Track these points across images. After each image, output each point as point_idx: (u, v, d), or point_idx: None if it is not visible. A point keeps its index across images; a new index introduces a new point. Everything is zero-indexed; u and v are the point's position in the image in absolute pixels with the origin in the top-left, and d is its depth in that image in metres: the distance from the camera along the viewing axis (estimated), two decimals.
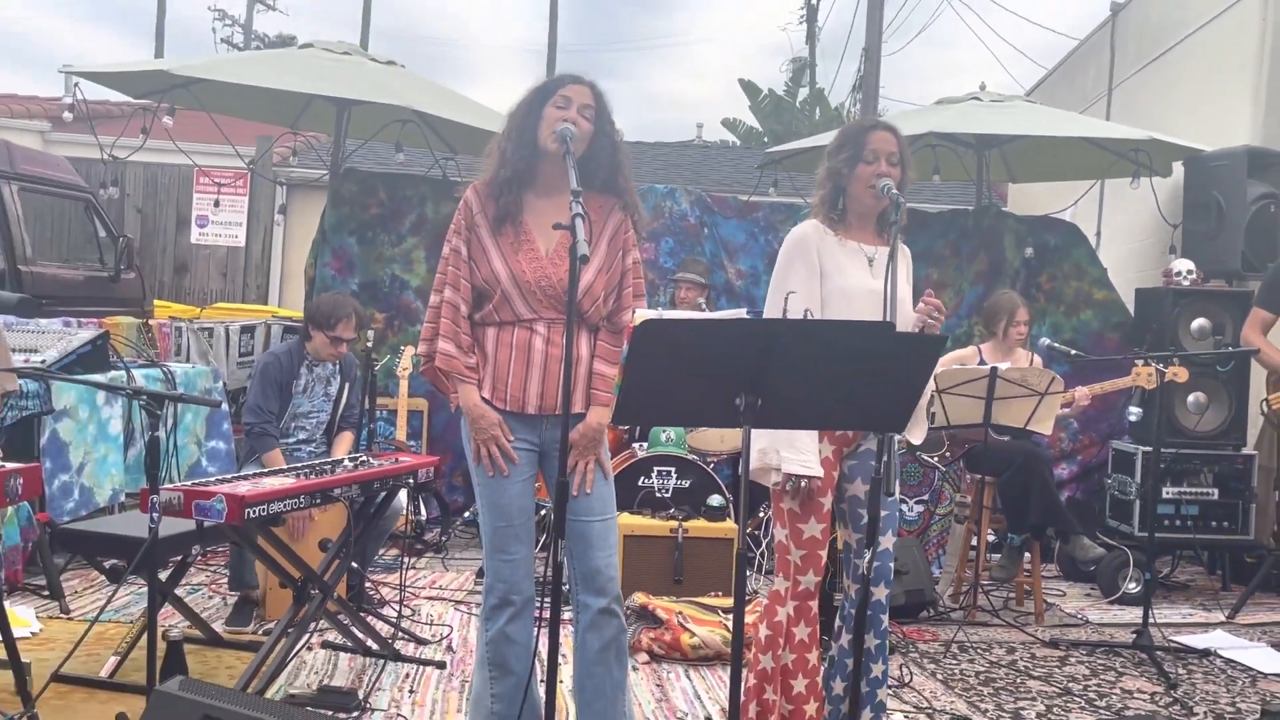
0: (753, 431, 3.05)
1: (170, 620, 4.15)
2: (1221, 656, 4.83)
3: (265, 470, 4.03)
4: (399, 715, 3.64)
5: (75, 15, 50.04)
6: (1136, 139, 6.61)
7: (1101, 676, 4.49)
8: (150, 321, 6.67)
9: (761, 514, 5.61)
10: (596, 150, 3.04)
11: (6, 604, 3.35)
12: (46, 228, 7.77)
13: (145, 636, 3.30)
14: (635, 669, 4.17)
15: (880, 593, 3.29)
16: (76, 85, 6.62)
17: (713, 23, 55.87)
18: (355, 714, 3.60)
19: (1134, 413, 5.61)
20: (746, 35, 56.16)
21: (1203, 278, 6.36)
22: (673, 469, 5.50)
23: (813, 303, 3.09)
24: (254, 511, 3.29)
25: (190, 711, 2.52)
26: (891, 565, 3.35)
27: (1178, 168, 6.98)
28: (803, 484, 3.08)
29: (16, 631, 3.52)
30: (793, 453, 3.02)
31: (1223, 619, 5.52)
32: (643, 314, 2.84)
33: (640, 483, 5.44)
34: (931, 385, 5.07)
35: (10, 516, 3.37)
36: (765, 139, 22.12)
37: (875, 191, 3.15)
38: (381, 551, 5.31)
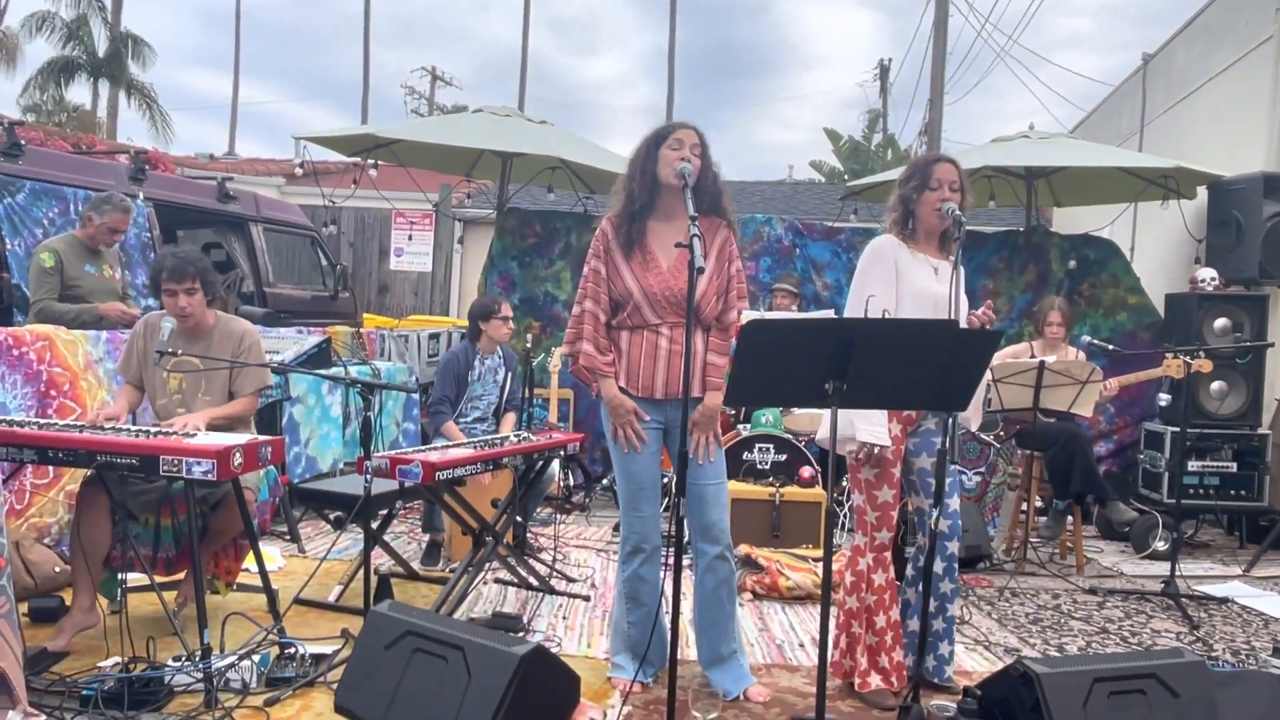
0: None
1: (380, 560, 4.31)
2: (1238, 603, 4.59)
3: (450, 444, 4.15)
4: (554, 636, 3.69)
5: (300, 96, 52.16)
6: (1166, 167, 6.32)
7: (1134, 619, 4.31)
8: (361, 330, 6.91)
9: (845, 483, 5.53)
10: (704, 181, 3.06)
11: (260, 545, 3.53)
12: (283, 259, 8.09)
13: (361, 571, 3.45)
14: (741, 605, 4.16)
15: (954, 546, 3.24)
16: (305, 148, 6.92)
17: (802, 82, 55.16)
18: (521, 634, 3.64)
19: (1164, 399, 5.38)
20: (830, 92, 55.22)
21: (1224, 284, 6.05)
22: (771, 445, 5.46)
23: (889, 302, 3.04)
24: (442, 474, 3.40)
25: (397, 627, 2.64)
26: (960, 523, 3.29)
27: (1201, 191, 6.64)
28: (875, 450, 3.05)
29: (266, 565, 3.70)
30: (867, 424, 2.99)
31: (1239, 573, 5.24)
32: (749, 314, 2.85)
33: (744, 457, 5.41)
34: (988, 375, 4.96)
35: (261, 478, 3.54)
36: (845, 177, 21.77)
37: (940, 213, 3.10)
38: (539, 510, 5.40)
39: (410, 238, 10.64)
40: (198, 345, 3.53)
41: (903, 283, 3.09)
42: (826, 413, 2.95)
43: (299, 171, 6.77)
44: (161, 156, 10.24)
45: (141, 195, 6.11)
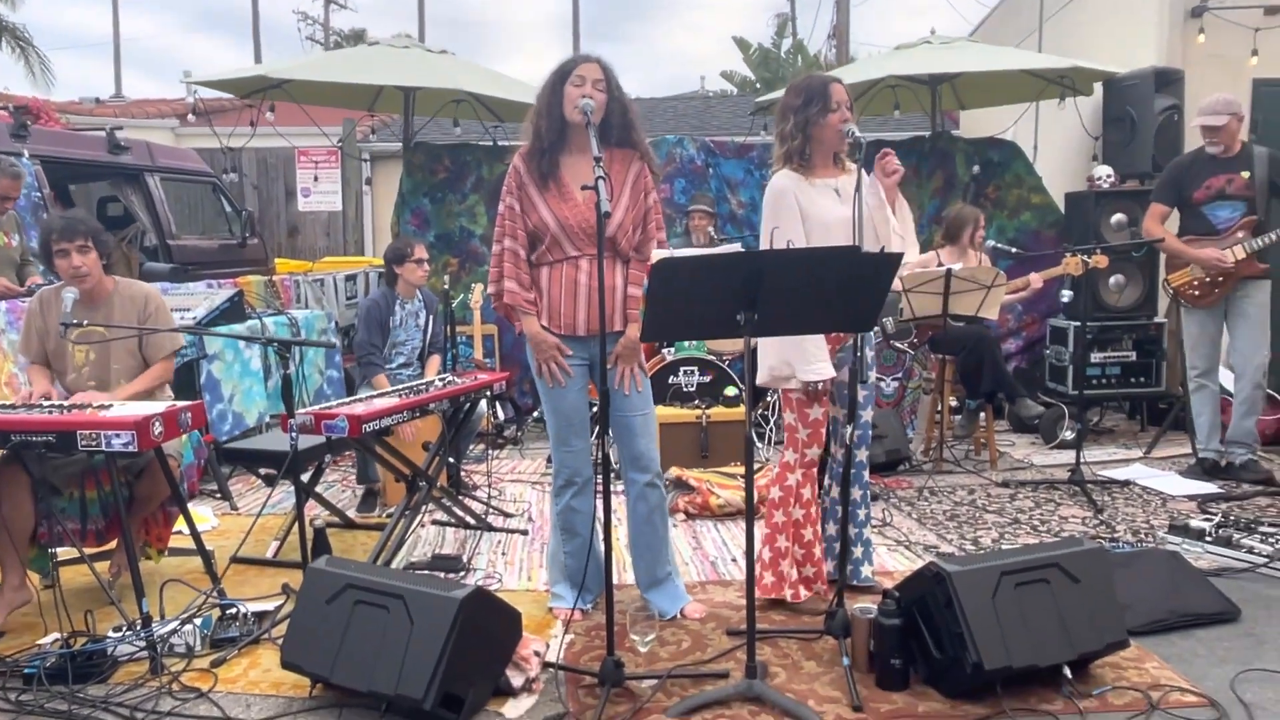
0: (763, 347, 3.13)
1: (314, 511, 4.33)
2: (1139, 485, 4.91)
3: (375, 393, 4.15)
4: (495, 573, 3.76)
5: (187, 27, 49.49)
6: (1062, 67, 6.47)
7: (1043, 508, 4.57)
8: (274, 279, 6.76)
9: (769, 398, 5.69)
10: (611, 114, 3.06)
11: (190, 506, 3.52)
12: (185, 208, 7.85)
13: (296, 526, 3.47)
14: (675, 525, 4.30)
15: (862, 454, 3.38)
16: (195, 91, 6.64)
17: None
18: (461, 574, 3.73)
19: (1066, 295, 5.60)
20: None
21: (1120, 180, 6.28)
22: (695, 368, 5.57)
23: (798, 240, 3.09)
24: (369, 426, 3.41)
25: (337, 581, 2.69)
26: (870, 433, 3.44)
27: (1098, 88, 6.82)
28: (820, 386, 3.15)
29: (199, 526, 3.69)
30: (806, 363, 3.05)
31: (1141, 455, 5.58)
32: (658, 253, 2.89)
33: (669, 380, 5.51)
34: (899, 285, 5.12)
35: (184, 442, 3.51)
36: (757, 85, 21.66)
37: (843, 134, 3.14)
38: (471, 447, 5.45)
39: (316, 178, 10.34)
40: (99, 313, 3.44)
41: (808, 219, 3.12)
42: (762, 351, 3.06)
43: (192, 118, 6.52)
44: (44, 106, 9.70)
45: (26, 153, 5.83)
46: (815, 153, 3.20)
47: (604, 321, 2.72)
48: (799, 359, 3.05)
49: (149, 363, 3.52)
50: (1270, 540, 3.76)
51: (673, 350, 5.76)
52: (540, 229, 3.11)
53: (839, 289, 2.54)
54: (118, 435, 2.82)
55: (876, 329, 5.64)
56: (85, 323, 3.32)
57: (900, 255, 2.54)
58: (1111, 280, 6.10)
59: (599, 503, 2.97)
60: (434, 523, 4.41)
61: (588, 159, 2.98)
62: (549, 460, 5.44)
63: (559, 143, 3.11)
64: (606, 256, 2.85)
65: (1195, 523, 3.98)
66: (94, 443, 2.82)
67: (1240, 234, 4.76)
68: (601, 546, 3.06)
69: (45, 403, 3.19)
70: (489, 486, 4.92)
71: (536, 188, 3.11)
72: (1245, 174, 4.76)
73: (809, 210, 3.12)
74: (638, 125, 3.17)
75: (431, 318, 5.08)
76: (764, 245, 3.12)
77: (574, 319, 3.14)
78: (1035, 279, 5.45)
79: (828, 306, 2.59)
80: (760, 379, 3.13)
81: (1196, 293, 4.89)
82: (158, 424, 2.90)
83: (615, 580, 2.88)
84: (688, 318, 2.57)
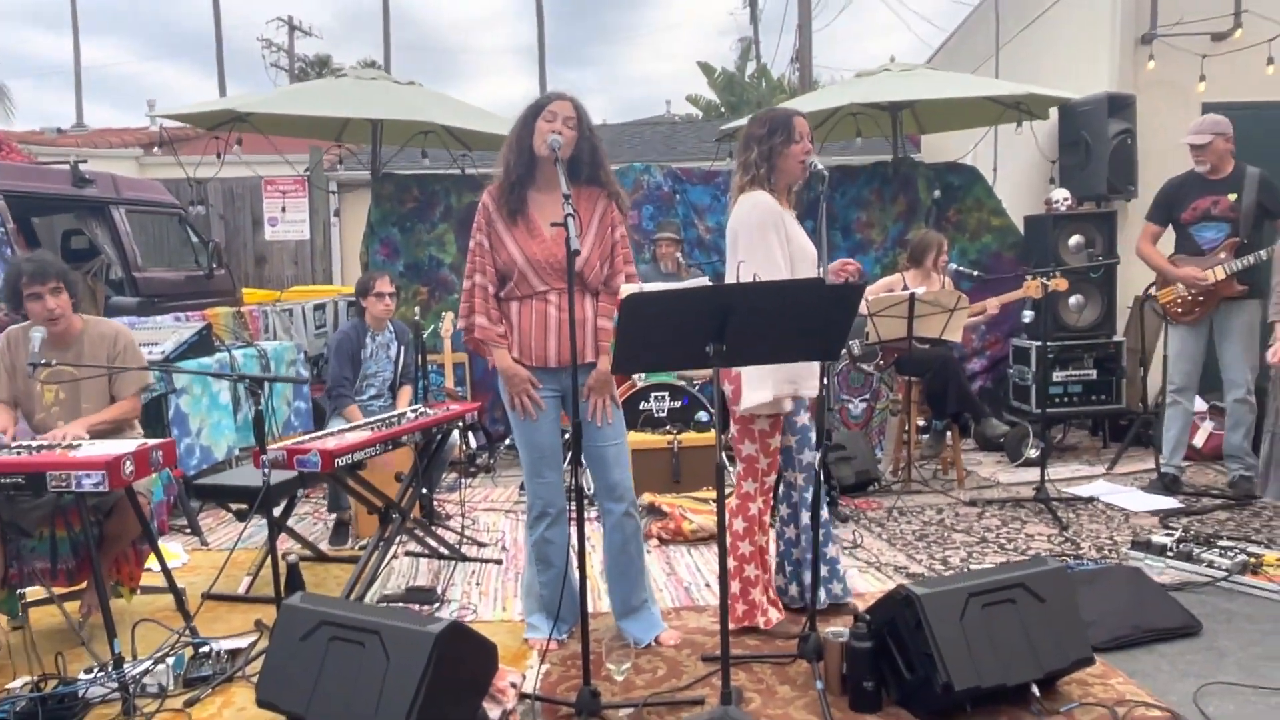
0: (757, 370, 3.16)
1: (286, 545, 4.30)
2: (1102, 501, 5.00)
3: (347, 426, 4.15)
4: (470, 604, 3.76)
5: (149, 54, 49.22)
6: (1018, 94, 6.63)
7: (1010, 525, 4.65)
8: (242, 310, 6.73)
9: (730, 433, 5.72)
10: (580, 152, 3.10)
11: (160, 542, 3.50)
12: (150, 240, 7.78)
13: (269, 561, 3.45)
14: (649, 551, 4.32)
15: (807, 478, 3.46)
16: (160, 121, 6.61)
17: (674, 12, 54.89)
18: (436, 605, 3.73)
19: (1027, 315, 5.70)
20: (702, 20, 55.14)
21: (1077, 202, 6.43)
22: (666, 394, 5.62)
23: (781, 261, 3.13)
24: (342, 460, 3.41)
25: (311, 618, 2.68)
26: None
27: (1054, 113, 6.99)
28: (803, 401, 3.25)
29: (170, 563, 3.66)
30: (812, 378, 3.16)
31: (1103, 471, 5.68)
32: (627, 288, 2.93)
33: (641, 406, 5.55)
34: (865, 309, 5.20)
35: (154, 480, 3.50)
36: (722, 110, 21.87)
37: (805, 165, 3.21)
38: (443, 476, 5.44)
39: (284, 208, 10.31)
40: (69, 353, 3.43)
41: (791, 242, 3.18)
42: (757, 378, 3.10)
43: (157, 150, 6.49)
44: (4, 138, 9.61)
45: None
46: (778, 182, 3.26)
47: (575, 355, 2.75)
48: (804, 374, 3.11)
49: (117, 399, 3.51)
50: (1229, 554, 3.85)
51: (644, 377, 5.80)
52: (508, 265, 3.15)
53: (805, 320, 2.59)
54: (88, 475, 2.80)
55: (843, 351, 5.74)
56: (55, 362, 3.31)
57: (862, 287, 2.59)
58: (1071, 300, 6.23)
59: (574, 531, 2.99)
60: (408, 554, 4.40)
61: (556, 196, 3.02)
62: (522, 487, 5.47)
63: (527, 178, 3.15)
64: (575, 290, 2.89)
65: (1157, 538, 4.07)
66: (64, 483, 2.81)
67: (1223, 255, 4.86)
68: (576, 576, 3.07)
69: (13, 444, 3.17)
70: (462, 516, 4.92)
71: (505, 225, 3.15)
72: (1232, 196, 4.86)
73: (792, 234, 3.18)
74: (606, 163, 3.22)
75: (403, 349, 5.08)
76: (730, 276, 3.16)
77: (545, 351, 3.17)
78: (992, 304, 5.56)
79: (795, 337, 2.64)
80: (761, 399, 3.11)
81: (1180, 310, 5.00)
82: (129, 463, 2.89)
83: (590, 609, 2.90)
84: (657, 350, 2.61)
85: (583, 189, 3.15)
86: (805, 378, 3.14)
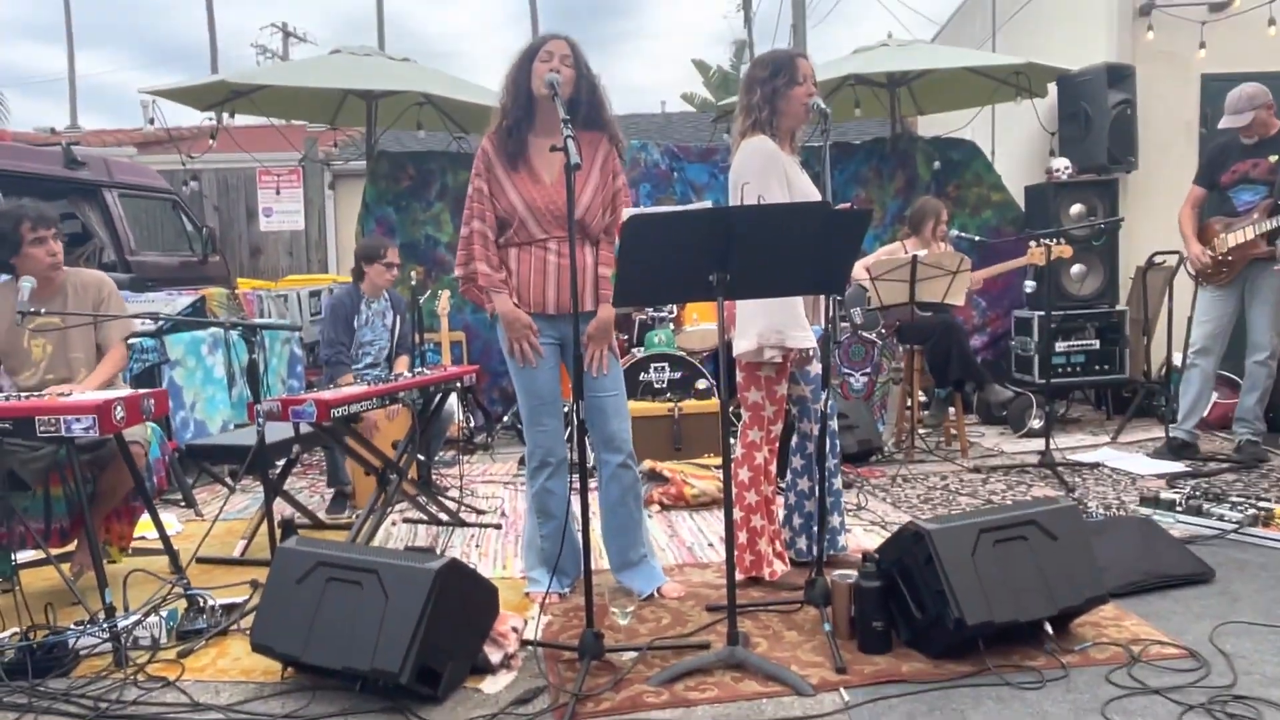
0: (748, 317, 3.10)
1: (283, 513, 4.23)
2: (1108, 466, 4.94)
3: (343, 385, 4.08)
4: (469, 563, 3.66)
5: (144, 64, 49.24)
6: (1017, 64, 6.58)
7: (1015, 489, 4.59)
8: (237, 292, 6.67)
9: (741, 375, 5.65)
10: (579, 91, 3.03)
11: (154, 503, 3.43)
12: (144, 226, 7.67)
13: (264, 524, 3.39)
14: (650, 516, 4.26)
15: (834, 423, 3.39)
16: (155, 104, 6.57)
17: (668, 18, 55.00)
18: None
19: (1029, 285, 5.66)
20: (697, 25, 55.20)
21: (1077, 171, 6.38)
22: (665, 364, 5.56)
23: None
24: (338, 411, 3.35)
25: (307, 560, 2.62)
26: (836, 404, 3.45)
27: (1051, 88, 6.95)
28: (806, 352, 3.18)
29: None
30: (797, 328, 3.07)
31: (1108, 441, 5.63)
32: (627, 211, 2.87)
33: (640, 377, 5.49)
34: (867, 276, 5.15)
35: (150, 434, 3.43)
36: (717, 107, 21.83)
37: (808, 107, 3.16)
38: (443, 452, 5.38)
39: (278, 192, 10.24)
40: (54, 302, 3.38)
41: (793, 187, 3.11)
42: (748, 320, 3.04)
43: (149, 126, 6.41)
44: None
45: None
46: (781, 125, 3.19)
47: (575, 292, 2.68)
48: (790, 323, 3.04)
49: (104, 349, 3.44)
50: (1240, 509, 3.79)
51: (642, 349, 5.74)
52: (509, 212, 3.08)
53: (809, 247, 2.53)
54: (78, 420, 2.74)
55: (845, 322, 5.68)
56: (44, 311, 3.24)
57: (869, 212, 2.53)
58: (1074, 270, 6.19)
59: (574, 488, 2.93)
60: (406, 520, 4.33)
61: (554, 139, 2.95)
62: (521, 461, 5.41)
63: (526, 120, 3.09)
64: (576, 239, 2.82)
65: (1166, 495, 4.01)
66: (54, 427, 2.74)
67: (1256, 215, 4.77)
68: (578, 529, 3.01)
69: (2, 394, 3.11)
70: (460, 488, 4.85)
71: (505, 170, 3.09)
72: (1273, 158, 4.77)
73: (793, 179, 3.12)
74: (606, 105, 3.13)
75: (399, 318, 5.02)
76: (734, 201, 3.10)
77: (544, 297, 3.11)
78: (975, 277, 5.48)
79: (799, 266, 2.59)
80: (747, 346, 3.08)
81: (1209, 270, 4.94)
82: (119, 408, 2.82)
83: (592, 565, 2.83)
84: (660, 279, 2.56)
85: (583, 133, 3.07)
86: (791, 328, 3.06)
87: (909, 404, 5.52)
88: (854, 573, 2.77)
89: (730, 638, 2.61)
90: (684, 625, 2.94)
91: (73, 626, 2.83)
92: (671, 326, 5.93)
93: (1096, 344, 6.16)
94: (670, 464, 4.68)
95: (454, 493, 4.79)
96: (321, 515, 4.44)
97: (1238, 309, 4.93)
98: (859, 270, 5.28)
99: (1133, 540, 3.32)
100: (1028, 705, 2.35)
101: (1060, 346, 6.11)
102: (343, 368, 4.69)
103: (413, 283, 5.42)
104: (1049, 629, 2.67)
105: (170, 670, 2.72)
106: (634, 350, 5.72)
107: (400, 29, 52.37)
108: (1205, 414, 5.39)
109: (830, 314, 2.89)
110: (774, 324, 3.06)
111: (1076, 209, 6.21)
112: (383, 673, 2.37)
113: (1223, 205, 5.00)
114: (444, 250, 6.82)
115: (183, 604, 3.06)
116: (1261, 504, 3.85)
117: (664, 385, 5.49)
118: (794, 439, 3.42)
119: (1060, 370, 6.09)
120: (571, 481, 3.13)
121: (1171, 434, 5.11)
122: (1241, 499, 3.99)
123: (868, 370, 6.19)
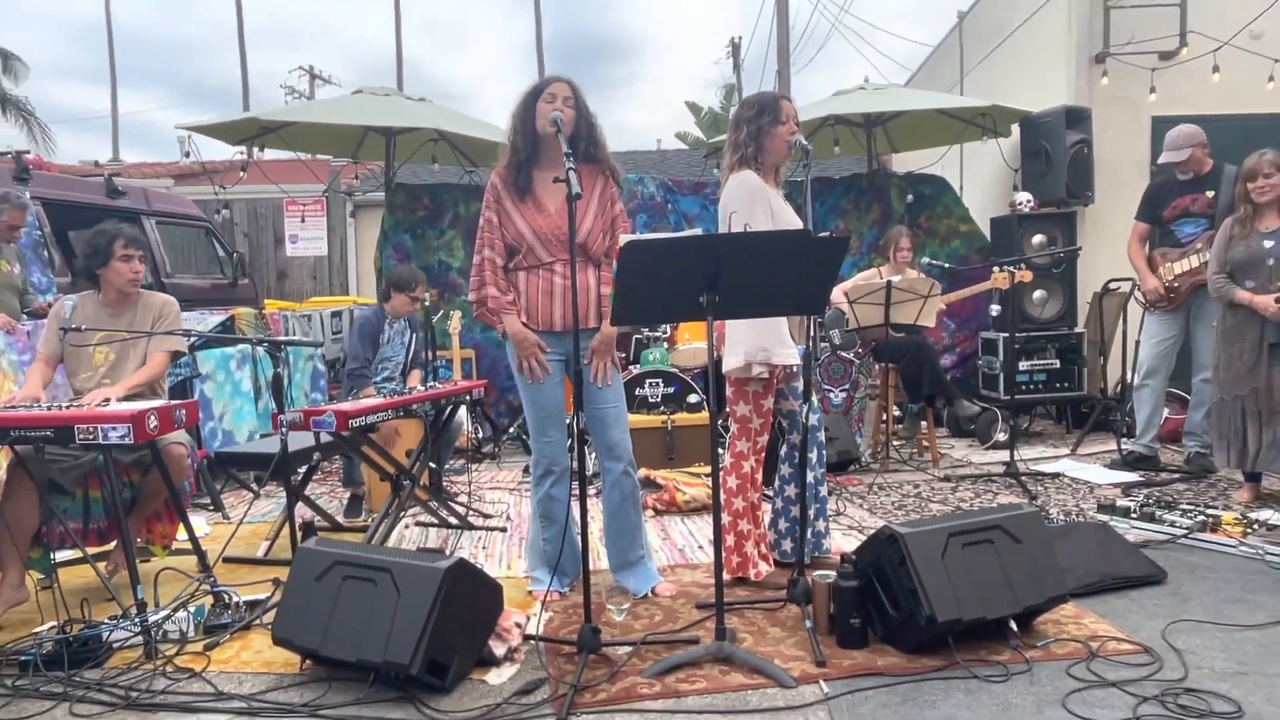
0: (735, 336, 3.10)
1: (304, 517, 4.21)
2: (1068, 476, 4.94)
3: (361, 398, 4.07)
4: (477, 562, 3.67)
5: (180, 103, 49.46)
6: (983, 106, 6.62)
7: (982, 497, 4.58)
8: (264, 312, 6.66)
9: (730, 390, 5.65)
10: (579, 128, 3.05)
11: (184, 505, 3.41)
12: (178, 252, 7.67)
13: (286, 526, 3.37)
14: (645, 521, 4.23)
15: (821, 435, 3.38)
16: (191, 139, 6.58)
17: (663, 63, 55.37)
18: None
19: (995, 309, 5.66)
20: (689, 70, 55.64)
21: (1038, 204, 6.41)
22: (660, 380, 5.56)
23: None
24: (356, 421, 3.34)
25: (325, 559, 2.60)
26: (823, 418, 3.44)
27: (1015, 128, 6.98)
28: (791, 369, 3.18)
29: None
30: (781, 346, 3.07)
31: (1068, 453, 5.62)
32: (624, 238, 2.87)
33: (636, 392, 5.49)
34: (845, 300, 5.15)
35: (190, 439, 3.42)
36: (708, 144, 21.95)
37: (790, 144, 3.17)
38: (452, 460, 5.36)
39: (303, 220, 10.25)
40: (123, 318, 3.41)
41: (777, 217, 3.12)
42: (735, 339, 3.05)
43: (185, 160, 6.43)
44: (44, 161, 9.54)
45: (28, 194, 5.71)
46: (766, 160, 3.21)
47: (576, 310, 2.69)
48: (775, 342, 3.05)
49: (148, 357, 3.45)
50: (1190, 515, 3.78)
51: (638, 366, 5.74)
52: (517, 239, 3.10)
53: (792, 271, 2.54)
54: (114, 428, 2.73)
55: (825, 342, 5.68)
56: (84, 328, 3.24)
57: (848, 238, 2.54)
58: (1035, 294, 6.20)
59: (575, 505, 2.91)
60: (417, 523, 4.32)
61: (559, 172, 2.97)
62: (526, 470, 5.39)
63: (532, 156, 3.11)
64: (579, 261, 2.82)
65: (1121, 502, 4.00)
66: (91, 435, 2.73)
67: (1199, 245, 4.80)
68: (577, 532, 3.00)
69: (44, 403, 3.09)
70: (469, 494, 4.83)
71: (513, 201, 3.10)
72: (1210, 193, 4.82)
73: (777, 210, 3.12)
74: (603, 143, 3.16)
75: (414, 336, 5.02)
76: (723, 230, 3.10)
77: (551, 315, 3.11)
78: (946, 300, 5.51)
79: (782, 289, 2.59)
80: (735, 363, 3.09)
81: (1156, 299, 4.95)
82: (153, 418, 2.81)
83: (590, 566, 2.82)
84: (653, 299, 2.55)
85: (583, 166, 3.10)
86: (777, 346, 3.07)
87: (884, 418, 5.52)
88: (833, 573, 2.76)
89: (718, 633, 2.60)
90: (675, 622, 2.92)
91: (106, 621, 2.81)
92: (665, 345, 5.93)
93: (1057, 363, 6.17)
94: (664, 472, 4.67)
95: (463, 498, 4.78)
96: (339, 518, 4.42)
97: (1183, 332, 4.95)
98: (838, 294, 5.30)
99: (1091, 544, 3.31)
100: (994, 697, 2.34)
101: (1023, 365, 6.12)
102: (365, 380, 4.68)
103: (426, 304, 5.42)
104: (1014, 626, 2.65)
105: (197, 662, 2.70)
106: (631, 367, 5.72)
107: (418, 72, 52.64)
108: (1160, 428, 5.40)
109: (811, 334, 2.89)
110: (760, 342, 3.06)
111: (1038, 239, 6.23)
112: (394, 665, 2.36)
113: (1165, 238, 5.02)
114: (456, 274, 6.82)
115: (209, 600, 3.04)
116: (1210, 511, 3.85)
117: (658, 399, 5.48)
118: (783, 448, 3.42)
119: (1023, 387, 6.10)
120: (571, 488, 3.13)
121: (1131, 448, 5.10)
122: (1191, 506, 4.00)
123: (846, 386, 6.19)
